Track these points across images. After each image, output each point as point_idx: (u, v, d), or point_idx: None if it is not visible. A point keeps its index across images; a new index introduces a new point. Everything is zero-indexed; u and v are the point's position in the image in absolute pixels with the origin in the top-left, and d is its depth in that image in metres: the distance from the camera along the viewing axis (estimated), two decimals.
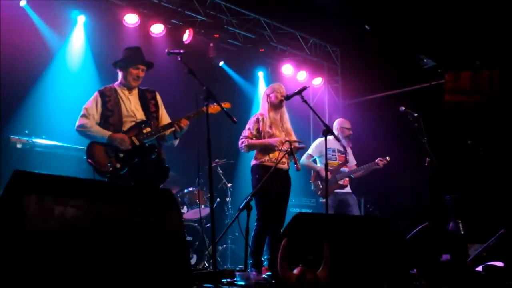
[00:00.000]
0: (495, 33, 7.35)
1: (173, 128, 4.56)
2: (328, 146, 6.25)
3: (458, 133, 7.38)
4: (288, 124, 5.38)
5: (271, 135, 5.18)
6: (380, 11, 7.91)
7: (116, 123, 4.52)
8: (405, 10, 7.64)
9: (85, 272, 2.31)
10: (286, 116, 5.41)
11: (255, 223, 5.05)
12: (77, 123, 4.51)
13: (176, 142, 4.75)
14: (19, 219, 2.20)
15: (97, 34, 7.02)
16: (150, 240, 2.58)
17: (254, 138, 5.22)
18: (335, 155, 6.47)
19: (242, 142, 5.22)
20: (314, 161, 6.52)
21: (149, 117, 4.63)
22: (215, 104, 4.44)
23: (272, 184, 4.91)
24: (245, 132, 5.28)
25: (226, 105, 4.71)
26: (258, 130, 5.23)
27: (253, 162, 5.28)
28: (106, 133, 4.43)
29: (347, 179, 6.44)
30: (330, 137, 5.30)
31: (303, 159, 6.43)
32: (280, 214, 5.18)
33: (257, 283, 3.80)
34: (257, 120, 5.27)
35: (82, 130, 4.49)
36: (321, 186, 6.36)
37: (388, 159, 6.49)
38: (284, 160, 5.13)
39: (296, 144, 5.16)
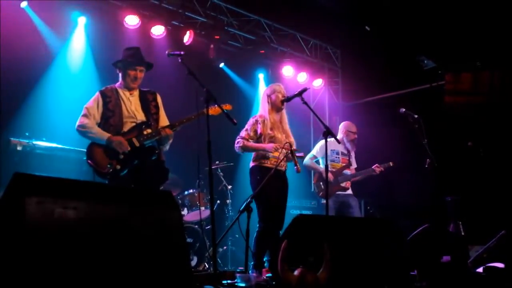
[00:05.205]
0: (495, 34, 7.35)
1: (161, 135, 4.56)
2: (332, 148, 6.29)
3: (459, 134, 7.37)
4: (287, 126, 5.37)
5: (272, 137, 5.16)
6: (380, 12, 7.91)
7: (117, 124, 4.52)
8: (405, 11, 7.65)
9: (85, 274, 2.31)
10: (285, 118, 5.40)
11: (258, 225, 5.04)
12: (77, 123, 4.51)
13: (167, 146, 4.74)
14: (19, 221, 2.20)
15: (98, 36, 7.03)
16: (150, 242, 2.58)
17: (250, 140, 5.20)
18: (338, 157, 6.47)
19: (238, 142, 5.19)
20: (318, 162, 6.51)
21: (150, 119, 4.63)
22: (216, 105, 4.45)
23: (272, 185, 4.90)
24: (242, 133, 5.24)
25: (227, 107, 4.71)
26: (255, 131, 5.21)
27: (252, 163, 5.25)
28: (105, 135, 4.42)
29: (349, 182, 6.44)
30: (333, 139, 5.30)
31: (307, 159, 6.43)
32: (279, 215, 5.17)
33: (257, 284, 3.80)
34: (256, 122, 5.25)
35: (82, 130, 4.48)
36: (323, 187, 6.36)
37: (391, 164, 6.48)
38: (282, 162, 5.13)
39: (295, 153, 5.15)
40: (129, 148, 4.41)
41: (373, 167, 6.50)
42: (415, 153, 6.18)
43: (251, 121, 5.30)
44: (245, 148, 5.19)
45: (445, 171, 5.96)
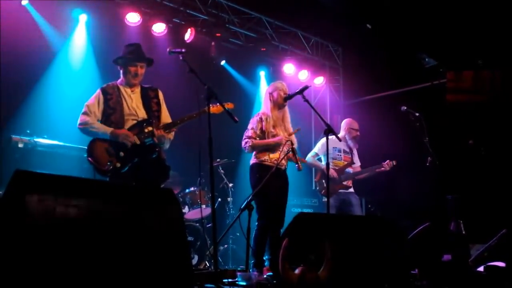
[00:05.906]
0: (497, 32, 7.33)
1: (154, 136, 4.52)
2: (334, 146, 6.25)
3: (460, 132, 7.36)
4: (289, 124, 5.37)
5: (274, 135, 5.16)
6: (381, 10, 7.90)
7: (118, 121, 4.51)
8: (406, 9, 7.63)
9: (86, 271, 2.31)
10: (287, 116, 5.40)
11: (256, 223, 5.03)
12: (78, 121, 4.51)
13: (167, 145, 4.70)
14: (20, 218, 2.20)
15: (99, 33, 7.02)
16: (151, 240, 2.58)
17: (257, 138, 5.19)
18: (340, 155, 6.42)
19: (246, 142, 5.18)
20: (319, 160, 6.49)
21: (151, 116, 4.62)
22: (217, 103, 4.44)
23: (272, 183, 4.87)
24: (249, 132, 5.23)
25: (229, 105, 4.70)
26: (261, 129, 5.20)
27: (253, 161, 5.24)
28: (108, 129, 4.42)
29: (350, 180, 6.41)
30: (334, 137, 5.29)
31: (309, 157, 6.40)
32: (280, 213, 5.17)
33: (258, 283, 3.80)
34: (260, 120, 5.24)
35: (84, 127, 4.48)
36: (325, 185, 6.35)
37: (394, 163, 6.45)
38: (282, 161, 5.12)
39: (294, 138, 5.16)
40: (136, 138, 4.41)
41: (384, 163, 6.41)
42: (416, 151, 6.17)
43: (255, 119, 5.29)
44: (254, 147, 5.17)
45: (446, 170, 5.95)
